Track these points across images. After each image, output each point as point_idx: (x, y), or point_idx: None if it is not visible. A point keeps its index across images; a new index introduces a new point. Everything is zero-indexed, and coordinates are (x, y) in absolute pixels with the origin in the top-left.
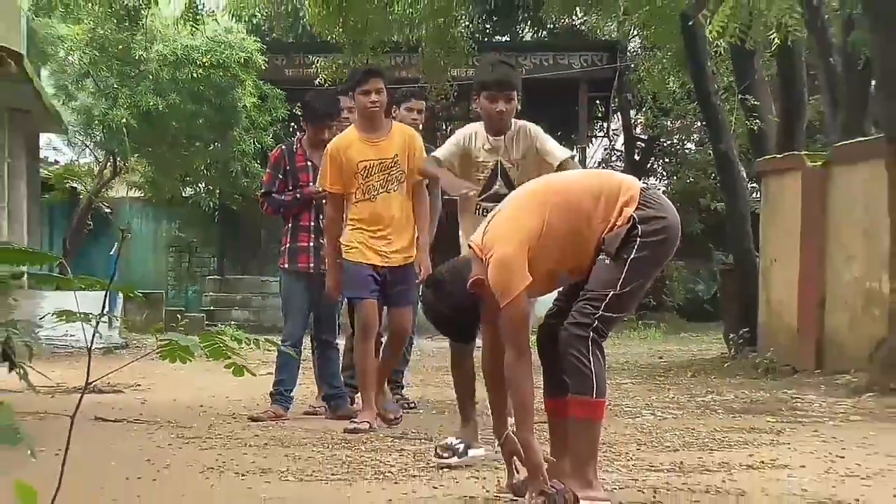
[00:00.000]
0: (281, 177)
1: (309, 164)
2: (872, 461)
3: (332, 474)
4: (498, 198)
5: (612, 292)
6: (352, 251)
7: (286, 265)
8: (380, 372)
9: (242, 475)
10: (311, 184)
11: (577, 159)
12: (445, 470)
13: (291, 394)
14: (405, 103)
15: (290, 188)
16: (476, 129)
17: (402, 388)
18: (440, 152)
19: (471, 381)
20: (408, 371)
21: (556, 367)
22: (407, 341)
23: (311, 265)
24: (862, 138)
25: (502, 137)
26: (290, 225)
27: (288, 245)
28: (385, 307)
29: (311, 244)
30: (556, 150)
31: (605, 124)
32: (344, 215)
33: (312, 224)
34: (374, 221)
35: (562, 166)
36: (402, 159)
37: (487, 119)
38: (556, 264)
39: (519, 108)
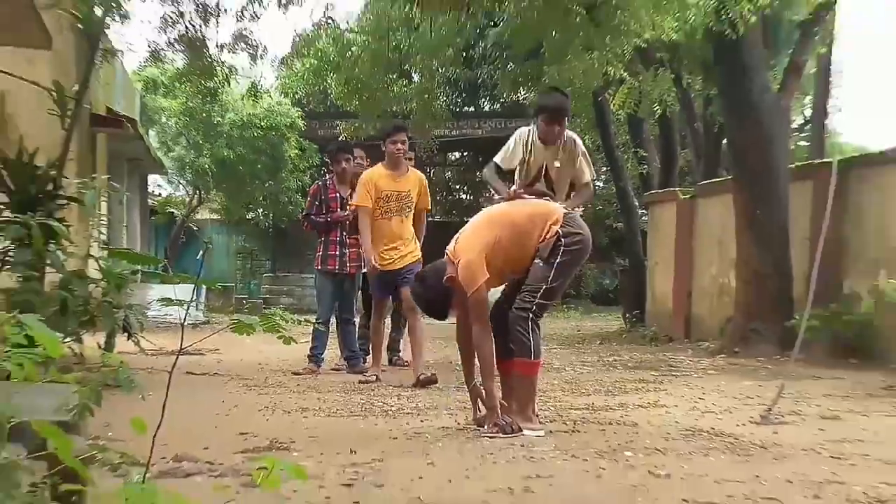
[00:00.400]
0: (317, 204)
1: (337, 195)
2: (723, 402)
3: (350, 412)
4: (538, 193)
5: (544, 286)
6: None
7: (319, 267)
8: (414, 345)
9: (288, 412)
10: (338, 210)
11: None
12: (428, 408)
13: (322, 356)
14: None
15: (324, 212)
16: (530, 133)
17: (399, 351)
18: (499, 157)
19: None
20: (403, 339)
21: (505, 338)
22: (405, 315)
23: (337, 267)
24: (716, 179)
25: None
26: (322, 238)
27: (321, 253)
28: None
29: (338, 252)
30: (587, 171)
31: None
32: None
33: (338, 238)
34: (388, 237)
35: (586, 184)
36: (413, 194)
37: (542, 135)
38: (504, 265)
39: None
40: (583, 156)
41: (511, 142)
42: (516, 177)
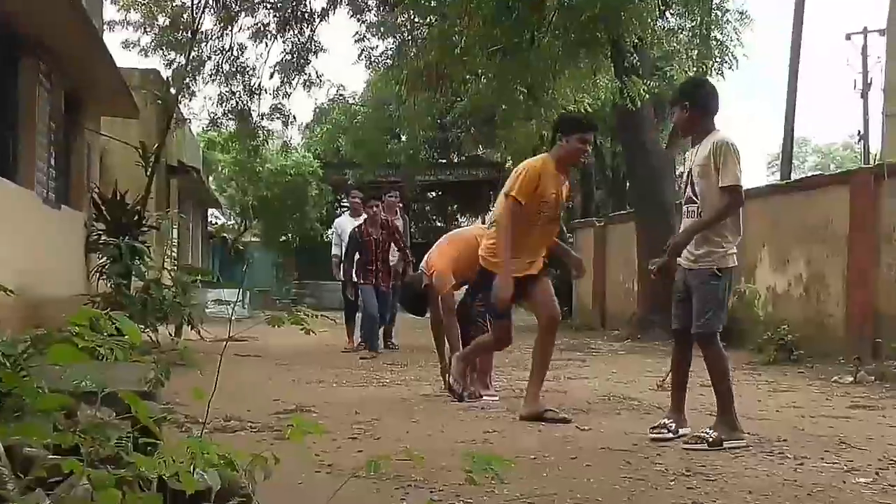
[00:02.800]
0: (356, 244)
1: (371, 238)
2: (630, 375)
3: (356, 384)
4: (689, 200)
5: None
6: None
7: (363, 281)
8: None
9: (308, 382)
10: (372, 248)
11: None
12: (413, 380)
13: (377, 344)
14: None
15: (362, 253)
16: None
17: (392, 337)
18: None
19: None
20: (396, 328)
21: (467, 327)
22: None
23: (373, 281)
24: (622, 212)
25: (695, 148)
26: (364, 268)
27: (362, 274)
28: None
29: (372, 275)
30: (725, 178)
31: (494, 204)
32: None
33: (373, 267)
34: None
35: (722, 190)
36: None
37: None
38: (464, 273)
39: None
40: (722, 160)
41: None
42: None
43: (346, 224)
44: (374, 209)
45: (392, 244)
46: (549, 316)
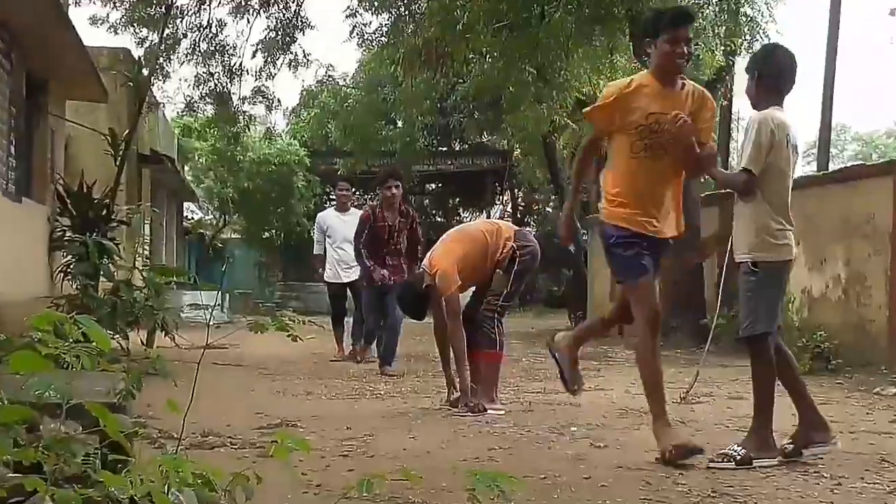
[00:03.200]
0: (367, 231)
1: (386, 223)
2: None
3: (347, 395)
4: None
5: (505, 290)
6: None
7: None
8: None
9: (294, 394)
10: (385, 236)
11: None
12: (411, 391)
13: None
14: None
15: (372, 242)
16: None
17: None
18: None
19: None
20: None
21: (474, 333)
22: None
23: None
24: None
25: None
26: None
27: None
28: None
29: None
30: (744, 159)
31: (501, 197)
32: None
33: (383, 259)
34: None
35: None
36: None
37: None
38: (471, 273)
39: None
40: (748, 139)
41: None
42: None
43: (331, 219)
44: (394, 190)
45: (407, 234)
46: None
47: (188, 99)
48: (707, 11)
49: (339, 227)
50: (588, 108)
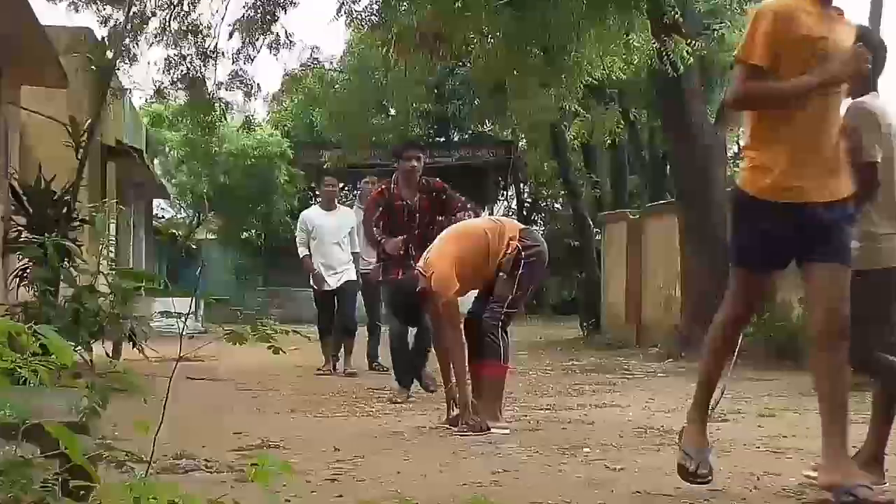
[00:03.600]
0: (380, 209)
1: (404, 202)
2: (670, 402)
3: (335, 413)
4: None
5: (510, 296)
6: None
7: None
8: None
9: (276, 412)
10: (405, 218)
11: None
12: (406, 408)
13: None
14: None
15: (387, 220)
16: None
17: (377, 358)
18: None
19: None
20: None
21: (476, 343)
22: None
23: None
24: (661, 202)
25: None
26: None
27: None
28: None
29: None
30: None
31: (505, 192)
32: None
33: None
34: None
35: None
36: None
37: None
38: (471, 275)
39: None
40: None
41: None
42: None
43: (316, 218)
44: (415, 163)
45: (440, 211)
46: (822, 324)
47: (158, 84)
48: None
49: (325, 226)
50: (745, 52)
